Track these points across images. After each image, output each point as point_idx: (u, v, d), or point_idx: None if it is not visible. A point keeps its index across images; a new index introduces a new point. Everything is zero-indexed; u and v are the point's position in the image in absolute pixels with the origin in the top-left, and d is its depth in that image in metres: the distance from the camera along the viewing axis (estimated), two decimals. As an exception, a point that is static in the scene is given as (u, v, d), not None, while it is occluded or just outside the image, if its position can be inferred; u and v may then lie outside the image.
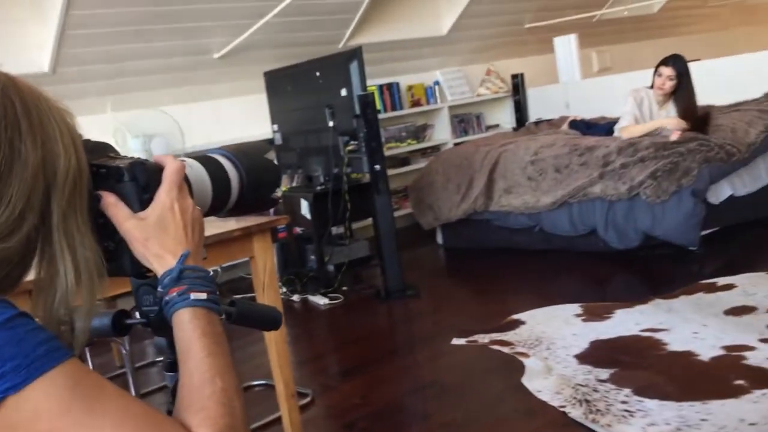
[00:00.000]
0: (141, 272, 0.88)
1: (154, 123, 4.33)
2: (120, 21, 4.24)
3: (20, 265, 0.75)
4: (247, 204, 1.05)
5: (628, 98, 4.67)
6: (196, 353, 0.78)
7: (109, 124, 4.47)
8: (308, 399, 2.90)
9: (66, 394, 0.67)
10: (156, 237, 0.82)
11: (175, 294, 0.80)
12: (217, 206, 1.01)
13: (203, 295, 0.81)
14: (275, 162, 1.23)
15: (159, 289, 0.82)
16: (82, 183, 0.77)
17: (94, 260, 0.77)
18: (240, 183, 1.02)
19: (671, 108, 4.65)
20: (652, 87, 4.65)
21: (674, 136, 4.32)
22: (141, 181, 0.84)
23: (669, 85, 4.54)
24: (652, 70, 4.65)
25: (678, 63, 4.54)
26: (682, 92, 4.56)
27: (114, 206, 0.82)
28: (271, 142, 5.07)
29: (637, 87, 4.75)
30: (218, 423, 0.73)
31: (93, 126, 4.44)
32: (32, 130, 0.72)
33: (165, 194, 0.84)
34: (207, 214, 0.98)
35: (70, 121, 0.78)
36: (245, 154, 1.04)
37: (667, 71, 4.53)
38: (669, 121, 4.55)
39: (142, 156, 3.30)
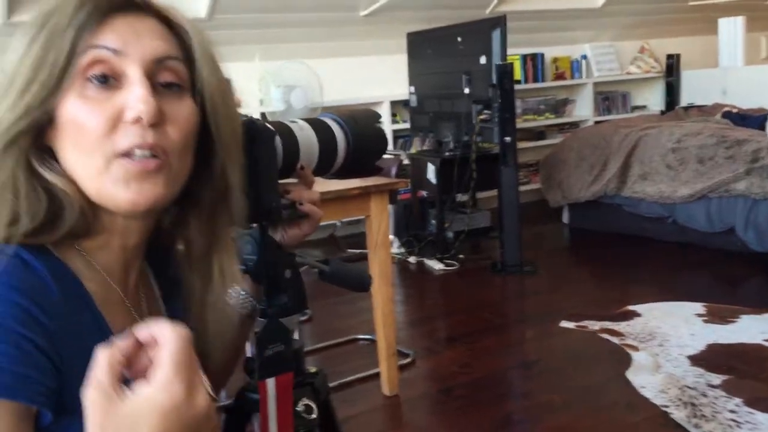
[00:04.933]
0: None
1: (296, 75, 4.47)
2: (275, -27, 4.38)
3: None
4: (351, 168, 1.09)
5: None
6: None
7: (256, 72, 4.67)
8: (409, 359, 2.97)
9: None
10: None
11: None
12: (323, 168, 1.05)
13: None
14: (383, 131, 1.24)
15: None
16: None
17: None
18: (346, 148, 1.06)
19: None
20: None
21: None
22: None
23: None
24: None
25: None
26: None
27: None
28: (406, 103, 5.11)
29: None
30: None
31: (240, 73, 4.67)
32: None
33: (165, 384, 0.58)
34: (314, 173, 1.04)
35: None
36: (355, 120, 1.08)
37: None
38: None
39: (281, 106, 3.44)
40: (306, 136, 1.01)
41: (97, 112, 0.68)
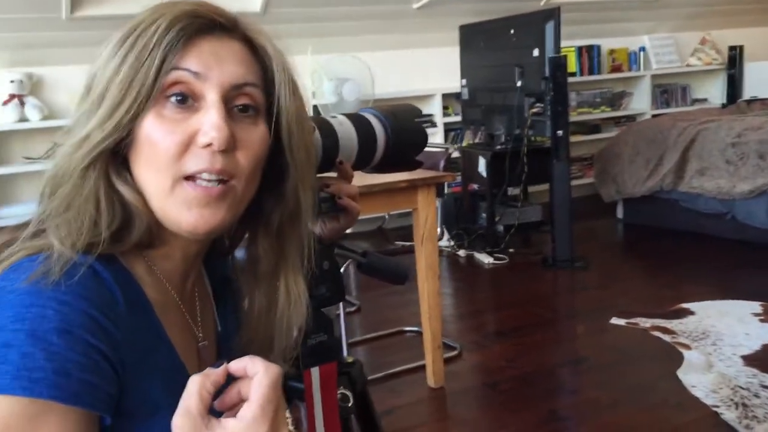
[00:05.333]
0: None
1: (348, 68, 4.50)
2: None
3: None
4: (391, 163, 1.10)
5: None
6: None
7: (308, 65, 4.72)
8: (456, 352, 2.97)
9: None
10: None
11: None
12: (362, 162, 1.07)
13: None
14: (423, 126, 1.26)
15: None
16: None
17: None
18: (386, 143, 1.07)
19: None
20: None
21: None
22: None
23: None
24: None
25: None
26: None
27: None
28: (458, 96, 5.10)
29: None
30: None
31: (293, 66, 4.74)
32: None
33: (251, 422, 0.63)
34: (353, 167, 1.05)
35: None
36: (395, 116, 1.09)
37: None
38: None
39: (333, 99, 3.46)
40: (345, 131, 1.03)
41: (171, 132, 0.70)
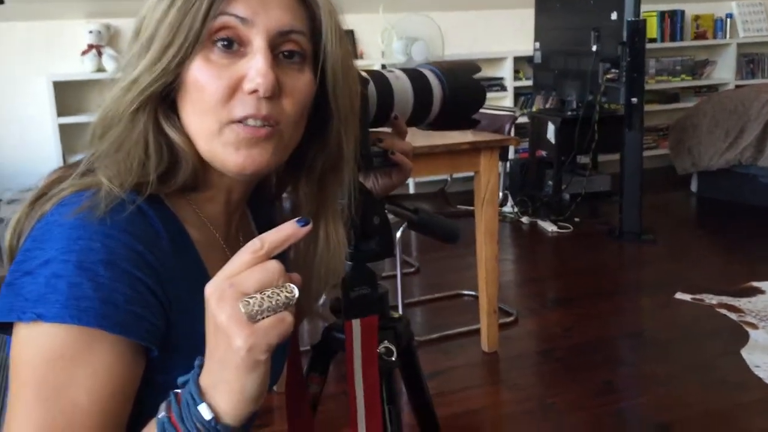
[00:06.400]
0: None
1: (418, 27, 4.44)
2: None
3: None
4: (447, 120, 1.09)
5: None
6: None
7: (379, 24, 4.68)
8: (512, 318, 2.96)
9: (46, 357, 0.64)
10: None
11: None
12: (418, 117, 1.06)
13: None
14: (481, 84, 1.23)
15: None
16: None
17: None
18: (443, 99, 1.06)
19: None
20: None
21: None
22: None
23: None
24: None
25: None
26: None
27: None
28: (530, 60, 4.98)
29: None
30: None
31: (364, 24, 4.70)
32: None
33: None
34: (408, 123, 1.05)
35: None
36: (453, 72, 1.07)
37: None
38: None
39: (402, 58, 3.41)
40: (401, 85, 1.01)
41: (218, 77, 0.71)
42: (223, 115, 0.71)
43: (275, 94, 0.72)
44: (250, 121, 0.71)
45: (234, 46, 0.72)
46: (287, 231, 0.61)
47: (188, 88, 0.72)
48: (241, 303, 0.58)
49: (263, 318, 0.58)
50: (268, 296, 0.58)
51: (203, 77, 0.71)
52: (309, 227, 0.61)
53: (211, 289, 0.59)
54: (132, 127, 0.73)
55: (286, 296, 0.59)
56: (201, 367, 0.62)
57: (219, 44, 0.71)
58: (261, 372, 0.59)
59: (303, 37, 0.75)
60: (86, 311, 0.64)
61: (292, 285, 0.60)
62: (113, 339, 0.66)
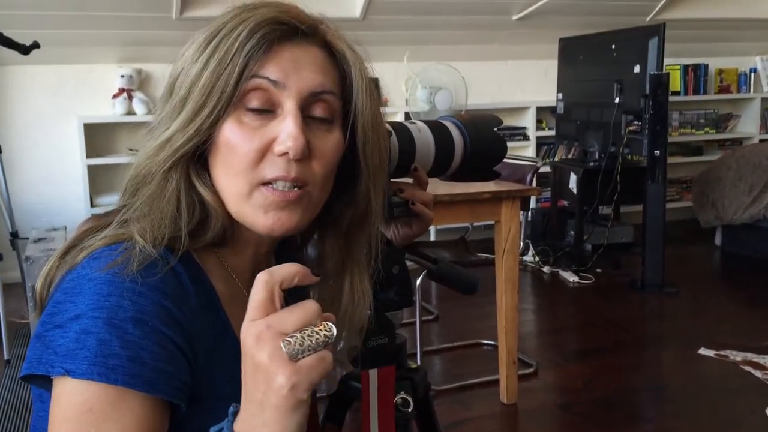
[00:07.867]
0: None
1: (442, 76, 4.50)
2: (429, -24, 4.44)
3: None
4: (468, 172, 1.10)
5: None
6: None
7: (404, 72, 4.75)
8: (532, 369, 2.92)
9: (76, 411, 0.64)
10: None
11: None
12: (439, 169, 1.07)
13: None
14: (503, 137, 1.24)
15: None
16: None
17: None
18: (464, 152, 1.07)
19: None
20: None
21: None
22: None
23: None
24: None
25: None
26: None
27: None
28: (553, 110, 5.01)
29: None
30: None
31: (389, 73, 4.77)
32: None
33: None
34: (429, 175, 1.06)
35: None
36: (474, 125, 1.09)
37: None
38: None
39: (426, 107, 3.44)
40: (423, 137, 1.03)
41: (249, 139, 0.72)
42: (253, 176, 0.73)
43: (305, 156, 0.73)
44: (279, 184, 0.72)
45: (266, 108, 0.73)
46: (298, 269, 0.62)
47: (220, 149, 0.74)
48: (282, 342, 0.57)
49: (304, 357, 0.58)
50: (308, 335, 0.58)
51: (235, 139, 0.72)
52: (317, 279, 0.63)
53: (246, 332, 0.59)
54: (165, 185, 0.74)
55: (325, 335, 0.59)
56: (235, 414, 0.61)
57: (251, 106, 0.73)
58: (302, 413, 0.59)
59: (334, 97, 0.76)
60: (114, 369, 0.65)
61: (330, 324, 0.60)
62: (141, 396, 0.66)
